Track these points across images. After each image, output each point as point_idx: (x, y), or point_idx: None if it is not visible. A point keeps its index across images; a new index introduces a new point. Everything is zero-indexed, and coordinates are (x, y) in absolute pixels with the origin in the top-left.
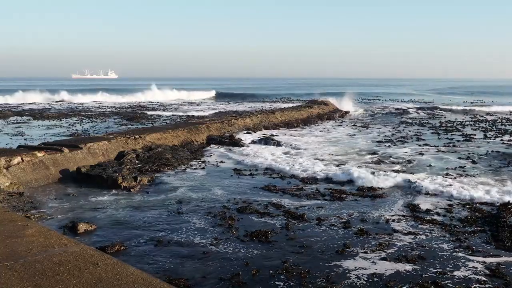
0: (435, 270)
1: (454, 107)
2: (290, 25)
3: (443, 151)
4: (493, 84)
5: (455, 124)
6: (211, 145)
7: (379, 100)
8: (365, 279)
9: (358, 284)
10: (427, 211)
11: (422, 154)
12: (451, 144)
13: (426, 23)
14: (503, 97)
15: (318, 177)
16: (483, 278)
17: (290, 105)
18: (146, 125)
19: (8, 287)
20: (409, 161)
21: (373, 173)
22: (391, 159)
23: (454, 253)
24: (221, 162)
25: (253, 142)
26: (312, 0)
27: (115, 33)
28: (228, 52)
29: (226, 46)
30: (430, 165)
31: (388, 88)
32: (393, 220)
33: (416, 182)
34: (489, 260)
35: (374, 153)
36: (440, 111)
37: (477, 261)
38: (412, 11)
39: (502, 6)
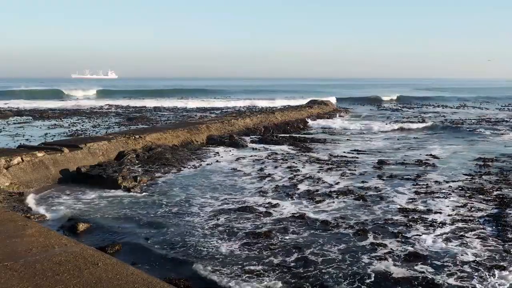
0: None
1: None
2: (290, 25)
3: None
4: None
5: None
6: (210, 145)
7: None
8: None
9: None
10: None
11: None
12: None
13: (426, 22)
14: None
15: None
16: None
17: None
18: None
19: (8, 287)
20: None
21: None
22: None
23: None
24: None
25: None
26: (312, 1)
27: (115, 33)
28: (229, 53)
29: (226, 47)
30: None
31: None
32: None
33: None
34: None
35: None
36: None
37: None
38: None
39: (503, 7)
